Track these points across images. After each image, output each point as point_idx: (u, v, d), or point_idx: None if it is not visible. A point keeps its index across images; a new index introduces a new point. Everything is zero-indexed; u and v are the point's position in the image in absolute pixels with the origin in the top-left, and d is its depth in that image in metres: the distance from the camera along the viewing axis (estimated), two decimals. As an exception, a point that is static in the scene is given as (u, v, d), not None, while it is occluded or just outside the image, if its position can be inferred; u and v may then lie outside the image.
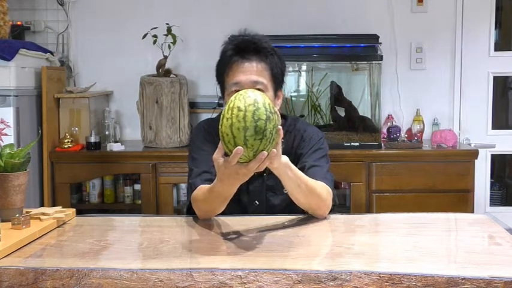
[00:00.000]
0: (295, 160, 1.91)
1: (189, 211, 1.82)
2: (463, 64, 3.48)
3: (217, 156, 1.51)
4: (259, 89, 1.80)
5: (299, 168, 1.82)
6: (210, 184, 1.68)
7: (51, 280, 1.25)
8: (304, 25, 3.39)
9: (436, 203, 2.99)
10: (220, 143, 1.47)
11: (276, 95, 1.90)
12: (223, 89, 1.92)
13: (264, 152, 1.42)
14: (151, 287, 1.23)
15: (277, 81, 1.90)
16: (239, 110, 1.40)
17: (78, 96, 3.18)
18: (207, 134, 1.95)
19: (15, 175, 1.58)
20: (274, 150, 1.45)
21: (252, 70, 1.83)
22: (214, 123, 1.98)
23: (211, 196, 1.65)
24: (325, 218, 1.74)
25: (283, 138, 1.92)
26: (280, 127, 1.46)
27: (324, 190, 1.74)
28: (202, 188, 1.73)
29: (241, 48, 1.85)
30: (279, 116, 1.46)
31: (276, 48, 1.91)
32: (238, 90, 1.80)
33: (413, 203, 2.98)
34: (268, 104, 1.43)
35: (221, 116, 1.45)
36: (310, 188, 1.69)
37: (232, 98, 1.45)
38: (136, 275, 1.25)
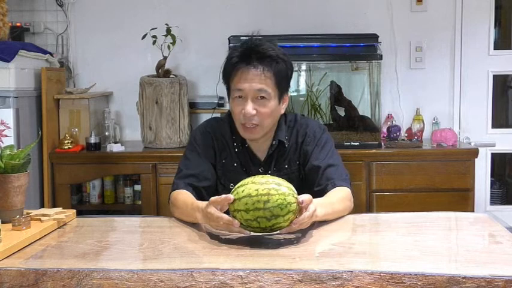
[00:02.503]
0: (302, 155, 1.93)
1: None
2: (463, 63, 3.48)
3: (212, 207, 1.52)
4: (262, 97, 1.82)
5: (313, 170, 1.87)
6: (191, 189, 1.82)
7: (52, 281, 1.25)
8: (304, 25, 3.39)
9: (437, 202, 2.99)
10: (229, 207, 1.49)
11: (280, 101, 1.88)
12: (229, 92, 1.91)
13: (236, 221, 1.46)
14: (152, 288, 1.23)
15: (282, 88, 1.88)
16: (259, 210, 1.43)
17: (78, 97, 3.18)
18: (207, 138, 1.95)
19: (16, 176, 1.58)
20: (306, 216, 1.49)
21: (255, 78, 1.81)
22: (219, 125, 1.97)
23: (185, 211, 1.72)
24: None
25: (287, 136, 1.93)
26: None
27: (347, 197, 1.80)
28: (183, 197, 1.79)
29: (246, 55, 1.83)
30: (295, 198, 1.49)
31: (283, 53, 1.88)
32: (242, 97, 1.82)
33: (414, 202, 2.99)
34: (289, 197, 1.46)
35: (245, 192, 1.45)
36: (339, 210, 1.74)
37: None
38: (137, 275, 1.25)
